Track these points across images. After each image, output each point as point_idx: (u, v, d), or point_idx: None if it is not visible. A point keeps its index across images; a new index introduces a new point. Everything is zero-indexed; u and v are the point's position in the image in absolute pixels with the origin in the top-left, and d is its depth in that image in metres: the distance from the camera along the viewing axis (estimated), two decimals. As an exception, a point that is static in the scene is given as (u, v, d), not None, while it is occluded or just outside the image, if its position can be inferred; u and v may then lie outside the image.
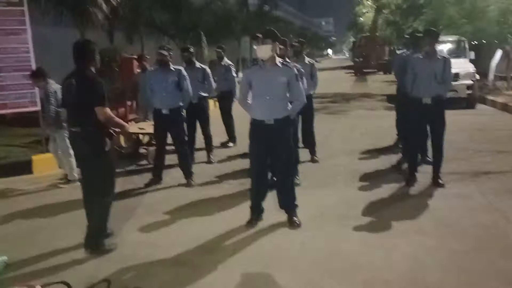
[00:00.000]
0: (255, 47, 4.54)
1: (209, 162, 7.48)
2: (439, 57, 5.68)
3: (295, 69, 4.57)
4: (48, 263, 3.82)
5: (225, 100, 8.76)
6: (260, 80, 4.53)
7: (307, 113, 6.71)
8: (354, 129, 10.08)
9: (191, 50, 7.60)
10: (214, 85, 7.67)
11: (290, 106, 4.62)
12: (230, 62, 8.87)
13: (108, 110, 4.08)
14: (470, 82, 12.27)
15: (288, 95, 4.56)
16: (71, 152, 5.79)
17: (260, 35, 4.44)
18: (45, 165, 7.12)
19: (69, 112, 4.32)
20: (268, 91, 4.47)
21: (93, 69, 4.16)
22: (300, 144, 6.87)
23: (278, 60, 4.54)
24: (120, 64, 11.13)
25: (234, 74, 8.77)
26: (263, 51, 4.44)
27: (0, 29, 7.12)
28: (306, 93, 4.96)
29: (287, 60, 5.25)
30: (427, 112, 5.64)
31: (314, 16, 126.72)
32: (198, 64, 7.52)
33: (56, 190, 6.23)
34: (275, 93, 4.47)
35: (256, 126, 4.61)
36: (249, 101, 4.69)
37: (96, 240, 4.19)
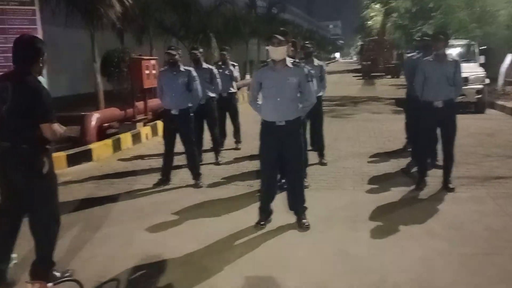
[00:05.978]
0: (267, 48, 4.48)
1: (217, 163, 7.48)
2: (450, 60, 5.63)
3: (305, 69, 4.54)
4: (57, 262, 3.80)
5: (229, 102, 8.72)
6: (271, 81, 4.50)
7: (316, 115, 6.70)
8: (363, 132, 10.05)
9: (200, 50, 7.62)
10: (220, 86, 7.67)
11: (300, 106, 4.60)
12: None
13: (56, 126, 3.36)
14: (479, 86, 12.10)
15: (298, 95, 4.54)
16: None
17: (277, 36, 4.37)
18: None
19: None
20: (280, 92, 4.44)
21: (36, 75, 3.41)
22: (309, 147, 6.86)
23: (289, 60, 4.52)
24: (129, 65, 11.17)
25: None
26: (278, 52, 4.40)
27: (11, 28, 7.14)
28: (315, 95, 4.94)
29: (297, 61, 5.25)
30: (438, 116, 5.58)
31: (322, 19, 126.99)
32: (205, 65, 7.54)
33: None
34: (286, 94, 4.45)
35: (267, 128, 4.58)
36: (259, 102, 4.68)
37: (45, 270, 3.58)
